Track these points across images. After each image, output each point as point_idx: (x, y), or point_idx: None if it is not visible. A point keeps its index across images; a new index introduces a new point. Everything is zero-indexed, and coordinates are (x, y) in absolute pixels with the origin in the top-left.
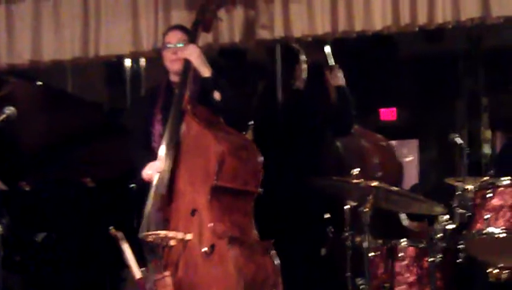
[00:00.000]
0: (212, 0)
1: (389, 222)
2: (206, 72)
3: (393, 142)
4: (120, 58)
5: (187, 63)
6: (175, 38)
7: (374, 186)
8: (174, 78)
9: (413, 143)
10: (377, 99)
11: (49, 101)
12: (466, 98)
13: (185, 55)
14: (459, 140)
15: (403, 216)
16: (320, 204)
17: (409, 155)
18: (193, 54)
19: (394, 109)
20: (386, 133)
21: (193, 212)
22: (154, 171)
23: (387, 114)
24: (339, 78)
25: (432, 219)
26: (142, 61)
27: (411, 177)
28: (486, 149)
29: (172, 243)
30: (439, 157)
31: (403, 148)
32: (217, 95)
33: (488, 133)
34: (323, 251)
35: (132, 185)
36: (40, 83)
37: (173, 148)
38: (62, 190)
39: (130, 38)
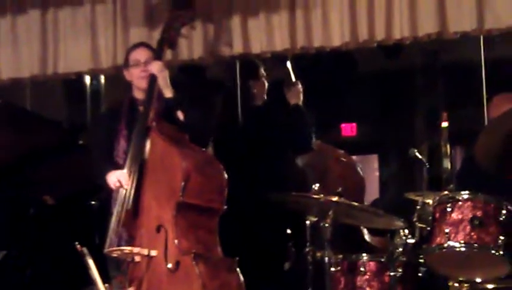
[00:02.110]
0: (176, 19)
1: (350, 237)
2: (168, 92)
3: (354, 157)
4: (79, 76)
5: (152, 80)
6: (143, 56)
7: (334, 202)
8: (138, 95)
9: (373, 158)
10: (338, 115)
11: (8, 119)
12: (425, 113)
13: (154, 70)
14: (418, 155)
15: (365, 231)
16: (282, 220)
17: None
18: (161, 72)
19: (354, 124)
20: (347, 149)
21: (158, 228)
22: (119, 177)
23: (348, 130)
24: (295, 96)
25: (393, 234)
26: (102, 79)
27: (372, 191)
28: (446, 164)
29: (137, 259)
30: (400, 172)
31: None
32: (180, 115)
33: (448, 148)
34: (286, 266)
35: (93, 202)
36: None
37: (138, 165)
38: (21, 207)
39: (88, 55)
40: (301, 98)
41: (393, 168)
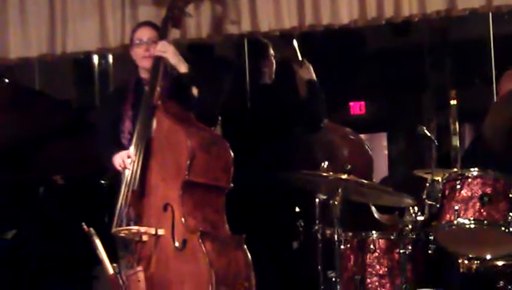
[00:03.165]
0: None
1: (359, 215)
2: (182, 68)
3: (363, 136)
4: (88, 55)
5: (157, 60)
6: (146, 35)
7: (343, 179)
8: (144, 75)
9: (382, 136)
10: (346, 94)
11: (16, 99)
12: (433, 90)
13: (160, 52)
14: (427, 132)
15: (374, 209)
16: (291, 198)
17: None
18: (169, 51)
19: (363, 102)
20: (355, 127)
21: (165, 207)
22: (124, 158)
23: (356, 108)
24: (309, 72)
25: (402, 211)
26: (110, 58)
27: (381, 170)
28: (455, 141)
29: (144, 238)
30: (408, 150)
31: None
32: (194, 91)
33: (456, 126)
34: (294, 245)
35: (103, 182)
36: (7, 80)
37: (144, 144)
38: (32, 187)
39: (97, 34)
40: (313, 74)
41: (402, 146)
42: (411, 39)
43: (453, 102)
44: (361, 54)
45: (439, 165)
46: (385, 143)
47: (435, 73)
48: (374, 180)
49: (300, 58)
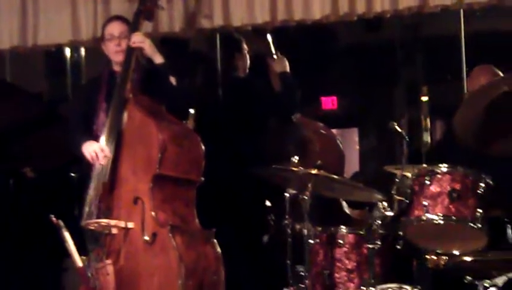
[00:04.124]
0: None
1: (329, 210)
2: (158, 58)
3: (334, 131)
4: (59, 48)
5: (129, 53)
6: (117, 30)
7: (314, 174)
8: (117, 68)
9: (354, 131)
10: (318, 88)
11: None
12: (405, 86)
13: (137, 44)
14: (398, 128)
15: (344, 204)
16: (261, 192)
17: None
18: (145, 42)
19: (335, 97)
20: (327, 122)
21: (135, 200)
22: (96, 150)
23: (328, 103)
24: (283, 65)
25: (372, 207)
26: (83, 51)
27: (352, 165)
28: (426, 137)
29: (114, 231)
30: (379, 145)
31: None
32: (172, 80)
33: (427, 121)
34: (264, 239)
35: (73, 174)
36: None
37: (115, 137)
38: (1, 179)
39: (68, 27)
40: (287, 66)
41: (373, 141)
42: (383, 35)
43: (424, 98)
44: (334, 50)
45: (410, 161)
46: (356, 138)
47: (407, 69)
48: (345, 175)
49: (274, 52)
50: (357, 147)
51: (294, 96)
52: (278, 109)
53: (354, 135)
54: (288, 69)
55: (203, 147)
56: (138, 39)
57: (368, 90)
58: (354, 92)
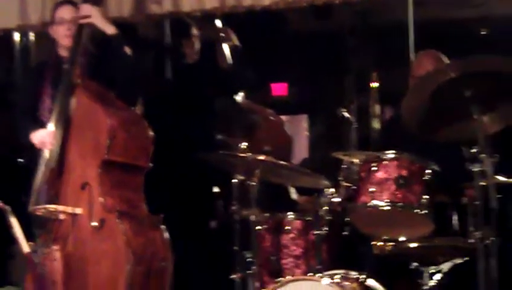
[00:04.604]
0: None
1: (277, 196)
2: (110, 29)
3: (285, 117)
4: (8, 32)
5: (78, 36)
6: (68, 14)
7: (261, 160)
8: (64, 53)
9: (304, 118)
10: (269, 75)
11: None
12: (355, 73)
13: (86, 19)
14: (346, 114)
15: (292, 190)
16: (210, 178)
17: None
18: (94, 14)
19: (285, 84)
20: (277, 108)
21: (83, 186)
22: (44, 136)
23: (279, 89)
24: (233, 39)
25: (320, 193)
26: (32, 36)
27: (302, 151)
28: (375, 124)
29: (61, 217)
30: (329, 131)
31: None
32: (127, 50)
33: (377, 108)
34: (212, 225)
35: (20, 160)
36: None
37: (63, 122)
38: None
39: (17, 11)
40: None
41: (322, 128)
42: (333, 22)
43: (374, 84)
44: (285, 36)
45: (360, 147)
46: (306, 125)
47: (357, 56)
48: (295, 161)
49: (224, 39)
50: (307, 134)
51: (246, 71)
52: (229, 86)
53: (304, 121)
54: (237, 42)
55: (151, 133)
56: (86, 12)
57: (318, 76)
58: (304, 78)
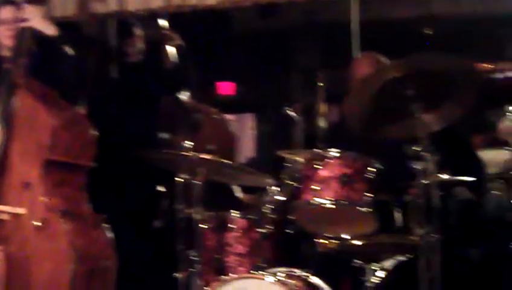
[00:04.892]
0: None
1: (222, 194)
2: (52, 30)
3: (231, 116)
4: None
5: (20, 36)
6: (9, 14)
7: (205, 159)
8: (5, 53)
9: (250, 117)
10: (215, 74)
11: None
12: (301, 72)
13: (26, 23)
14: (292, 113)
15: (237, 188)
16: (154, 177)
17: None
18: (33, 17)
19: (232, 83)
20: (224, 107)
21: (26, 186)
22: None
23: (226, 88)
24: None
25: (264, 191)
26: None
27: (249, 150)
28: (322, 122)
29: (4, 217)
30: (275, 130)
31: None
32: (69, 50)
33: (323, 107)
34: (156, 224)
35: None
36: None
37: (5, 122)
38: None
39: None
40: (176, 55)
41: (269, 126)
42: (280, 21)
43: (320, 84)
44: (231, 35)
45: (306, 146)
46: (253, 124)
47: (303, 55)
48: (242, 160)
49: (170, 38)
50: (254, 132)
51: (191, 70)
52: (173, 85)
53: (250, 120)
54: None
55: (94, 132)
56: (27, 14)
57: (264, 75)
58: (251, 77)
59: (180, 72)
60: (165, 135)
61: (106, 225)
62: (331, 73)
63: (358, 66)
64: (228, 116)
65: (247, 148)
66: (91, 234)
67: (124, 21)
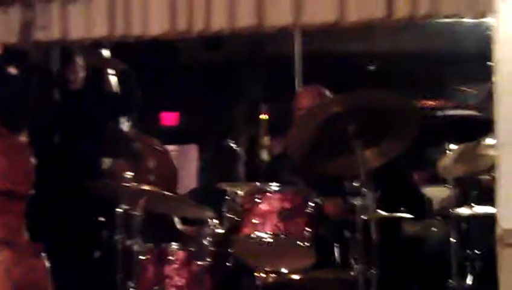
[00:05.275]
0: None
1: (163, 226)
2: None
3: (174, 147)
4: None
5: None
6: None
7: (146, 190)
8: None
9: (194, 148)
10: (159, 104)
11: None
12: (246, 104)
13: None
14: (234, 146)
15: (177, 220)
16: (95, 206)
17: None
18: None
19: (176, 113)
20: (167, 138)
21: None
22: None
23: (169, 119)
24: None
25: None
26: None
27: (191, 181)
28: (264, 155)
29: None
30: (218, 162)
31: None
32: (13, 70)
33: (266, 140)
34: (96, 254)
35: None
36: None
37: None
38: None
39: None
40: (116, 84)
41: (212, 158)
42: (224, 52)
43: (264, 116)
44: (176, 66)
45: (249, 179)
46: (196, 155)
47: (248, 87)
48: (184, 191)
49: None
50: (197, 164)
51: (134, 94)
52: (115, 115)
53: (194, 151)
54: (116, 86)
55: (34, 160)
56: None
57: (209, 107)
58: (195, 108)
59: (123, 100)
60: (107, 163)
61: (44, 254)
62: (274, 105)
63: (302, 99)
64: (171, 147)
65: (189, 179)
66: (29, 262)
67: (67, 48)
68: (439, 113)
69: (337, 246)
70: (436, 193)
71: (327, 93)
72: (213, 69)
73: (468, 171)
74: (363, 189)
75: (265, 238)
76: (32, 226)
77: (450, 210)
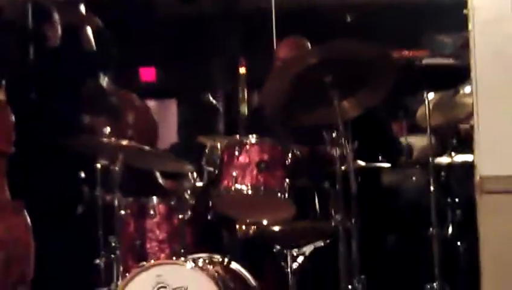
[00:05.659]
0: None
1: (143, 180)
2: None
3: (152, 102)
4: None
5: None
6: None
7: (124, 145)
8: None
9: (172, 103)
10: (136, 60)
11: None
12: (224, 58)
13: None
14: (212, 100)
15: (158, 174)
16: (75, 162)
17: None
18: None
19: (153, 69)
20: (145, 93)
21: None
22: None
23: (147, 74)
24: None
25: (184, 177)
26: None
27: (170, 136)
28: (243, 109)
29: None
30: (197, 116)
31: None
32: None
33: (244, 93)
34: (78, 210)
35: None
36: None
37: None
38: None
39: None
40: (93, 40)
41: (191, 112)
42: (200, 7)
43: (242, 70)
44: (152, 21)
45: (228, 132)
46: (175, 110)
47: (225, 41)
48: (164, 146)
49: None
50: (176, 118)
51: (111, 51)
52: (92, 71)
53: (172, 106)
54: (92, 43)
55: (13, 118)
56: None
57: (186, 61)
58: (172, 63)
59: (100, 56)
60: (85, 120)
61: (25, 211)
62: (252, 59)
63: (282, 50)
64: (150, 103)
65: (169, 134)
66: (10, 220)
67: (41, 6)
68: (417, 62)
69: (316, 197)
70: (415, 142)
71: (308, 44)
72: (189, 23)
73: (447, 119)
74: (342, 139)
75: (245, 190)
76: (13, 184)
77: (429, 159)
